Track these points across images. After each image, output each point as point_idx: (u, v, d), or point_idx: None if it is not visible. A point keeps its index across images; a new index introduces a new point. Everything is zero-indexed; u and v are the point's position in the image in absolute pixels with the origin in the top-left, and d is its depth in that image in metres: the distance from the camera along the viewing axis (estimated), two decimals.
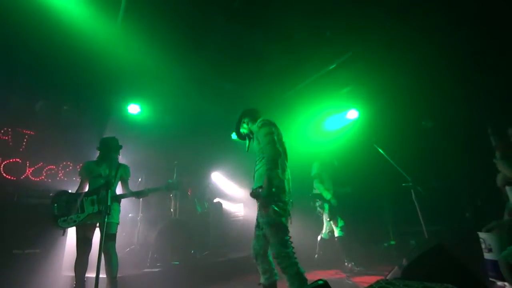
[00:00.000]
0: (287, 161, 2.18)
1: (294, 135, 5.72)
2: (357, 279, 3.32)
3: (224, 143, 5.56)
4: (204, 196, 5.67)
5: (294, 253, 1.88)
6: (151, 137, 5.32)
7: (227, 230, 5.68)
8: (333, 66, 4.27)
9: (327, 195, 4.01)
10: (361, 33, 3.66)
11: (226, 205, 6.15)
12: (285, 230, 1.93)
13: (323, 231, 4.14)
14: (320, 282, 0.67)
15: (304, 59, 4.20)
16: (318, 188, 4.15)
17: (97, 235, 2.73)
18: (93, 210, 2.75)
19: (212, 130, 5.63)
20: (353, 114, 5.07)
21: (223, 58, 4.20)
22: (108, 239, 2.76)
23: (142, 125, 5.16)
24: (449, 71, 3.63)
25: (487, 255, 1.00)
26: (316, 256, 4.12)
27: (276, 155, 1.98)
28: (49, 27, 3.28)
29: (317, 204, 4.16)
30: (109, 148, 3.00)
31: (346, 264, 3.75)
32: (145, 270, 3.74)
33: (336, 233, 3.91)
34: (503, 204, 1.77)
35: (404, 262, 3.38)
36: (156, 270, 3.73)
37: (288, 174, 2.15)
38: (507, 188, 1.54)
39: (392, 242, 4.25)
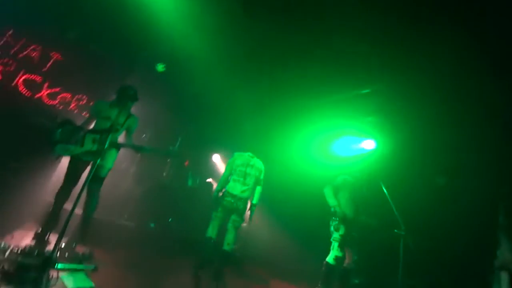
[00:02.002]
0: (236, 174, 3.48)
1: (305, 149, 5.64)
2: None
3: (233, 129, 5.56)
4: (198, 172, 5.70)
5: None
6: (168, 101, 5.36)
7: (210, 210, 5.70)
8: (366, 91, 4.14)
9: (333, 202, 3.62)
10: (403, 69, 3.53)
11: None
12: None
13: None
14: None
15: (341, 74, 4.08)
16: (326, 194, 3.73)
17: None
18: (92, 148, 2.77)
19: (228, 114, 5.61)
20: (370, 144, 4.92)
21: (265, 45, 4.11)
22: (96, 181, 2.80)
23: (163, 86, 5.18)
24: (479, 132, 3.43)
25: None
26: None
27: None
28: None
29: (332, 223, 3.65)
30: (126, 95, 3.02)
31: None
32: (120, 221, 3.81)
33: (328, 257, 3.53)
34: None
35: None
36: (130, 224, 3.80)
37: (233, 179, 3.46)
38: (501, 273, 1.44)
39: (356, 281, 4.14)
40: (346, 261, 3.56)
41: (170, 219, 4.38)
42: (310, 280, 3.88)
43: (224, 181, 3.54)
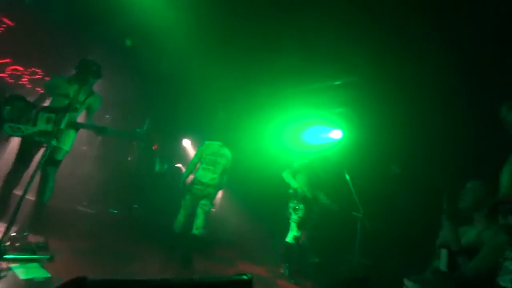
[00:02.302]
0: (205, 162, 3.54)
1: (275, 136, 5.73)
2: (281, 283, 3.44)
3: (205, 115, 5.42)
4: (167, 157, 5.52)
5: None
6: (136, 80, 5.00)
7: (178, 196, 5.60)
8: (337, 83, 4.29)
9: (295, 184, 3.84)
10: (375, 64, 3.71)
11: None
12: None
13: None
14: (245, 277, 0.64)
15: (313, 65, 4.16)
16: (285, 177, 3.94)
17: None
18: (46, 128, 2.52)
19: (199, 99, 5.44)
20: (337, 134, 5.17)
21: (238, 33, 4.02)
22: (51, 164, 2.58)
23: (131, 63, 4.80)
24: (433, 128, 3.80)
25: None
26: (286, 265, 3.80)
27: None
28: None
29: (291, 205, 3.89)
30: (88, 71, 2.76)
31: (281, 269, 3.78)
32: (79, 208, 3.58)
33: (287, 237, 3.79)
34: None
35: (327, 282, 3.57)
36: (90, 211, 3.58)
37: (203, 167, 3.52)
38: (442, 250, 1.64)
39: (325, 261, 4.45)
40: (302, 238, 3.85)
41: (135, 206, 4.21)
42: (274, 261, 4.10)
43: (192, 168, 3.61)
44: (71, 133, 2.71)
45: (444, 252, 1.76)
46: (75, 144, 2.81)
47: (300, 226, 3.81)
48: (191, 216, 3.51)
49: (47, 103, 2.68)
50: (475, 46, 3.06)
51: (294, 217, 3.83)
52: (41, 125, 2.51)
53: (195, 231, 3.35)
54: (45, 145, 2.56)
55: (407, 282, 1.09)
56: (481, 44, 3.02)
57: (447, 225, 1.89)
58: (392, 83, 3.86)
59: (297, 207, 3.84)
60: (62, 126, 2.12)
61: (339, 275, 4.03)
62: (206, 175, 3.51)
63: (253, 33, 4.00)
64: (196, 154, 3.68)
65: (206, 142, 3.72)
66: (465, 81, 3.30)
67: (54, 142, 2.09)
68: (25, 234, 2.24)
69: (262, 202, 5.46)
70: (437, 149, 3.82)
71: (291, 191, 3.96)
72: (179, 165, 5.87)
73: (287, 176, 3.95)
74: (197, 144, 6.53)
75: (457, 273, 1.30)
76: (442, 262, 1.74)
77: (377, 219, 3.95)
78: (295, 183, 3.87)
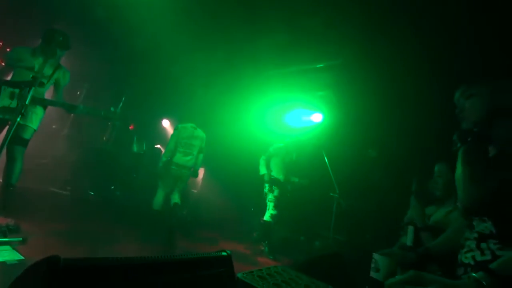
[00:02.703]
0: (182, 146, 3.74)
1: (258, 118, 5.71)
2: (260, 260, 3.60)
3: (184, 95, 5.25)
4: (145, 137, 5.34)
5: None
6: (111, 54, 4.65)
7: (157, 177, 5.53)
8: (320, 65, 4.28)
9: (263, 171, 4.12)
10: (356, 48, 3.73)
11: None
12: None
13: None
14: (224, 253, 0.65)
15: (296, 47, 4.10)
16: (260, 165, 4.21)
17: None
18: (10, 104, 2.34)
19: (179, 78, 5.21)
20: (318, 117, 5.25)
21: (218, 15, 3.83)
22: (18, 142, 2.41)
23: (104, 35, 4.40)
24: (409, 115, 3.98)
25: (373, 274, 1.14)
26: (254, 234, 4.27)
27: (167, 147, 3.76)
28: None
29: (266, 185, 4.17)
30: (54, 42, 2.53)
31: (260, 246, 3.98)
32: (52, 189, 3.42)
33: (265, 216, 4.07)
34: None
35: (303, 257, 3.77)
36: (64, 193, 3.44)
37: (179, 151, 3.73)
38: (409, 227, 1.78)
39: (302, 238, 4.68)
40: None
41: (112, 187, 4.10)
42: (254, 239, 4.30)
43: (169, 153, 3.78)
44: (39, 110, 2.53)
45: (410, 229, 1.91)
46: (44, 123, 2.63)
47: (276, 205, 4.07)
48: (168, 195, 3.77)
49: (9, 76, 2.46)
50: (450, 36, 3.15)
51: (270, 197, 4.09)
52: (5, 101, 2.32)
53: (175, 200, 3.67)
54: (9, 122, 2.38)
55: (375, 255, 1.17)
56: (456, 34, 3.12)
57: (415, 204, 2.04)
58: (372, 68, 3.93)
59: (270, 188, 4.12)
60: (27, 101, 1.96)
61: (315, 251, 4.28)
62: (182, 158, 3.75)
63: (235, 11, 3.84)
64: (171, 139, 3.84)
65: (180, 126, 3.90)
66: (438, 69, 3.44)
67: (19, 119, 1.94)
68: None
69: (244, 183, 5.54)
70: (411, 134, 4.01)
71: (262, 173, 4.21)
72: (158, 146, 5.73)
73: (260, 163, 4.24)
74: (176, 124, 6.37)
75: (422, 248, 1.41)
76: (408, 238, 1.90)
77: (352, 198, 4.17)
78: (264, 169, 4.15)
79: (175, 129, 3.91)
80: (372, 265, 1.16)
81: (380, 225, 3.81)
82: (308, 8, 3.48)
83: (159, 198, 3.68)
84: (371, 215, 4.13)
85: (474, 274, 0.61)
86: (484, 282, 0.58)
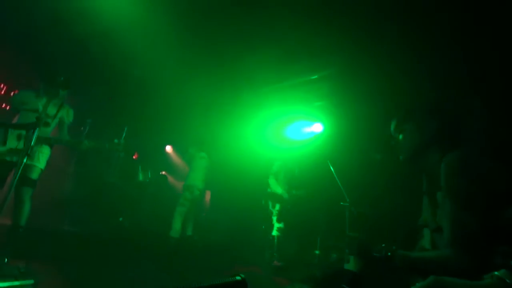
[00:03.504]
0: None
1: (259, 135, 5.75)
2: (277, 280, 3.48)
3: (185, 120, 5.34)
4: (149, 165, 5.38)
5: None
6: (109, 87, 4.78)
7: (165, 205, 5.50)
8: (314, 77, 4.36)
9: (279, 190, 4.18)
10: (349, 56, 3.82)
11: (173, 181, 5.94)
12: None
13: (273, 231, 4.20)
14: (238, 277, 0.64)
15: (290, 61, 4.21)
16: (271, 185, 4.27)
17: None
18: (17, 146, 2.40)
19: (177, 104, 5.32)
20: (318, 127, 5.27)
21: (212, 35, 3.98)
22: (25, 184, 2.44)
23: (102, 67, 4.51)
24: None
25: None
26: (268, 254, 4.21)
27: None
28: None
29: (270, 203, 4.27)
30: (56, 83, 2.63)
31: (275, 262, 3.90)
32: (62, 227, 3.41)
33: (273, 231, 4.10)
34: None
35: (319, 273, 3.66)
36: (74, 230, 3.43)
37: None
38: (424, 230, 1.73)
39: (317, 252, 4.54)
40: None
41: (120, 219, 4.08)
42: (267, 257, 4.20)
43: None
44: (45, 150, 2.58)
45: (426, 231, 1.86)
46: (51, 161, 2.68)
47: (279, 218, 4.14)
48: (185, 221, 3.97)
49: (15, 119, 2.54)
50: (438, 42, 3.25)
51: (274, 211, 4.19)
52: (12, 143, 2.38)
53: (189, 233, 3.63)
54: (17, 164, 2.43)
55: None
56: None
57: (427, 206, 2.00)
58: (366, 72, 3.99)
59: (274, 204, 4.25)
60: (33, 142, 2.01)
61: (332, 265, 4.14)
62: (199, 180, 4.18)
63: (227, 36, 3.97)
64: (196, 166, 4.30)
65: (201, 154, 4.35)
66: (431, 68, 3.49)
67: (25, 160, 1.98)
68: (5, 260, 2.11)
69: (251, 201, 5.47)
70: None
71: (269, 190, 4.33)
72: (163, 172, 5.74)
73: (273, 183, 4.32)
74: (179, 149, 6.41)
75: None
76: (425, 240, 1.85)
77: (364, 205, 4.08)
78: (279, 188, 4.23)
79: (198, 158, 4.37)
80: None
81: (396, 230, 3.70)
82: (294, 22, 3.59)
83: (177, 226, 3.85)
84: (385, 220, 4.02)
85: (496, 273, 0.60)
86: (508, 280, 0.57)
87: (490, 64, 3.07)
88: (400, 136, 1.33)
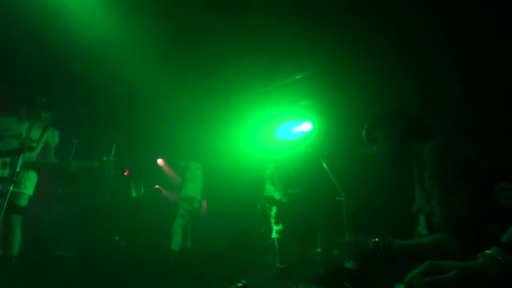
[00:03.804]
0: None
1: (250, 139, 5.76)
2: (280, 282, 3.46)
3: (177, 131, 5.30)
4: (142, 181, 5.29)
5: None
6: (94, 102, 4.68)
7: (162, 219, 5.40)
8: (299, 77, 4.42)
9: (277, 196, 4.15)
10: (331, 54, 3.90)
11: (168, 193, 5.85)
12: None
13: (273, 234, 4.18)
14: (240, 284, 0.64)
15: (273, 64, 4.25)
16: (269, 190, 4.25)
17: None
18: (2, 174, 2.32)
19: (164, 114, 5.27)
20: (307, 126, 5.32)
21: (194, 45, 3.99)
22: (14, 212, 2.36)
23: (85, 85, 4.42)
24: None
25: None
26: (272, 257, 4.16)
27: None
28: None
29: (267, 205, 4.27)
30: (37, 105, 2.56)
31: (277, 265, 3.88)
32: (56, 252, 3.30)
33: (272, 234, 4.07)
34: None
35: (323, 270, 3.66)
36: (68, 254, 3.32)
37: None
38: (419, 216, 1.77)
39: (318, 250, 4.55)
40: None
41: (116, 238, 3.98)
42: (268, 260, 4.19)
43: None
44: (32, 175, 2.51)
45: (421, 217, 1.90)
46: (39, 185, 2.60)
47: (277, 221, 4.11)
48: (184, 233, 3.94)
49: None
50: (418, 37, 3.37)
51: (272, 214, 4.16)
52: None
53: (188, 245, 3.64)
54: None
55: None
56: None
57: (419, 192, 2.04)
58: (349, 70, 4.08)
59: (270, 206, 4.23)
60: (18, 168, 1.95)
61: (334, 261, 4.15)
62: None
63: (209, 45, 3.99)
64: (190, 176, 4.26)
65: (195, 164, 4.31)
66: (412, 62, 3.62)
67: (11, 188, 1.92)
68: None
69: (248, 206, 5.44)
70: None
71: (265, 194, 4.29)
72: (157, 186, 5.65)
73: (270, 189, 4.28)
74: (171, 161, 6.34)
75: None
76: (421, 226, 1.88)
77: (359, 199, 4.13)
78: (278, 194, 4.19)
79: (192, 168, 4.34)
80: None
81: (393, 219, 3.76)
82: (274, 25, 3.64)
83: (178, 239, 3.81)
84: (381, 211, 4.08)
85: (488, 251, 0.61)
86: (500, 257, 0.58)
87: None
88: (375, 147, 1.41)
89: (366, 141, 1.49)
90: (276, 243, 4.04)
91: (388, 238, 1.21)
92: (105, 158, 2.73)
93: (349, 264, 1.23)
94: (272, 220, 4.17)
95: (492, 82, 3.14)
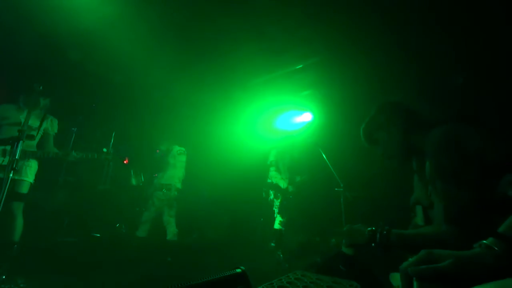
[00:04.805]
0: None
1: (250, 128, 5.74)
2: (279, 269, 3.53)
3: (177, 118, 5.28)
4: (141, 168, 5.30)
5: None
6: (93, 91, 4.64)
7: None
8: (299, 66, 4.36)
9: (284, 184, 4.01)
10: (334, 43, 3.84)
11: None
12: None
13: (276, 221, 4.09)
14: (238, 270, 0.65)
15: (275, 53, 4.19)
16: (274, 177, 4.08)
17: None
18: (2, 162, 2.33)
19: (163, 102, 5.23)
20: (308, 116, 5.30)
21: (194, 33, 3.90)
22: (15, 199, 2.39)
23: (84, 73, 4.35)
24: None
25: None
26: (272, 243, 4.04)
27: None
28: None
29: (271, 192, 4.08)
30: (35, 92, 2.54)
31: (278, 254, 3.90)
32: (58, 239, 3.36)
33: (274, 224, 4.01)
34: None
35: (321, 258, 3.72)
36: (70, 240, 3.37)
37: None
38: (417, 207, 1.78)
39: (317, 239, 4.62)
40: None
41: (117, 225, 4.04)
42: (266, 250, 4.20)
43: None
44: (32, 163, 2.52)
45: (418, 208, 1.92)
46: (40, 173, 2.62)
47: (281, 211, 4.01)
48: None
49: None
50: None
51: (276, 204, 4.04)
52: None
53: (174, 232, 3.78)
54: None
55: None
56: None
57: (417, 183, 2.05)
58: (351, 59, 4.02)
59: (278, 194, 4.04)
60: (18, 156, 1.96)
61: (332, 249, 4.23)
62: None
63: (210, 33, 3.91)
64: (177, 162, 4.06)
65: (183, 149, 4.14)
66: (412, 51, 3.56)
67: (12, 175, 1.93)
68: (3, 277, 2.08)
69: (248, 195, 5.49)
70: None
71: (269, 180, 4.14)
72: (156, 175, 5.67)
73: (274, 174, 4.09)
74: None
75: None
76: (418, 217, 1.90)
77: (357, 189, 4.17)
78: (284, 183, 4.03)
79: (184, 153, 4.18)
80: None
81: (390, 210, 3.81)
82: (274, 15, 3.56)
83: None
84: (379, 202, 4.12)
85: (485, 241, 0.61)
86: (496, 248, 0.58)
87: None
88: (379, 149, 1.40)
89: (366, 142, 1.46)
90: (278, 233, 3.98)
91: (385, 227, 1.21)
92: (104, 150, 2.75)
93: (346, 250, 1.26)
94: (276, 210, 4.06)
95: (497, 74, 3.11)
